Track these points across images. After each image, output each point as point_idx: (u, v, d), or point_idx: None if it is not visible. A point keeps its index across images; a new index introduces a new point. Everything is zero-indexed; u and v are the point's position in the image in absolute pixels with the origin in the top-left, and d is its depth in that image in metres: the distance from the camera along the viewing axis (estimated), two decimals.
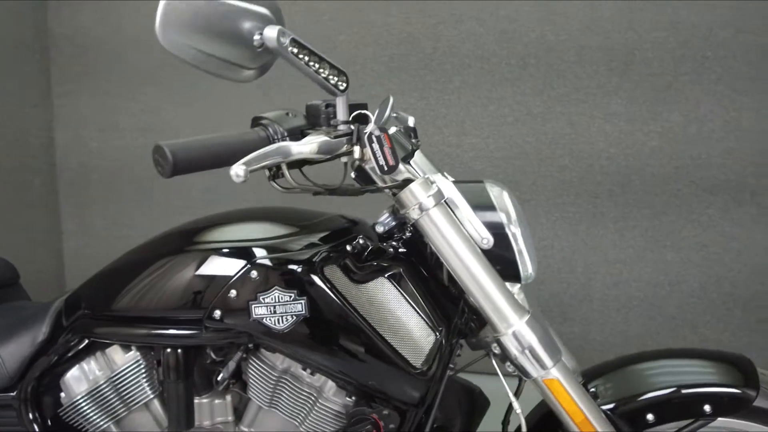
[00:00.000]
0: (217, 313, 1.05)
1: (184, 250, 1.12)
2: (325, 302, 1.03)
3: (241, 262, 1.06)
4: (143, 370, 1.13)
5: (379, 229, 1.10)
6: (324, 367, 1.04)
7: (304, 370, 1.10)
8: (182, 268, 1.09)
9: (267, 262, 1.05)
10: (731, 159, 2.45)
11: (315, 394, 1.09)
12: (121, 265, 1.19)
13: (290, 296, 1.02)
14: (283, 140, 0.99)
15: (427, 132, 2.68)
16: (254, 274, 1.04)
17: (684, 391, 1.03)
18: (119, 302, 1.12)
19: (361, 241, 1.09)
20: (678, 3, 2.41)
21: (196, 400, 1.12)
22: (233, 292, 1.05)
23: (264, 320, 1.03)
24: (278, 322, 1.03)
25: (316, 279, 1.04)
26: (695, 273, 2.52)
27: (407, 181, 1.02)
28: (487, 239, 1.03)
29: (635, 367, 1.12)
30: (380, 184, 1.06)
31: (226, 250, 1.09)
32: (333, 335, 1.04)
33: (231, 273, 1.05)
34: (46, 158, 3.00)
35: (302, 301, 1.02)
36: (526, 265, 1.05)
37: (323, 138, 0.99)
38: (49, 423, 1.18)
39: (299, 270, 1.04)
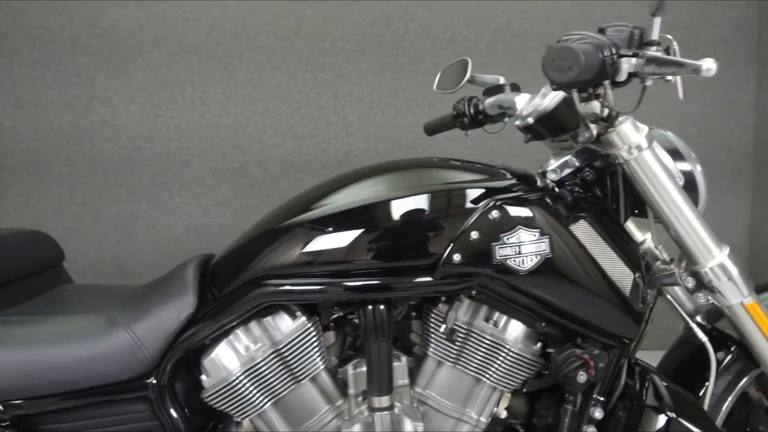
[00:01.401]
0: (457, 257, 0.97)
1: (395, 195, 1.01)
2: (563, 240, 1.00)
3: (481, 202, 0.99)
4: (314, 338, 1.00)
5: (553, 176, 1.09)
6: (550, 307, 1.01)
7: (487, 321, 1.06)
8: (405, 212, 0.98)
9: (508, 200, 1.00)
10: None
11: (505, 345, 1.05)
12: (306, 220, 1.04)
13: (534, 235, 0.98)
14: (617, 57, 0.95)
15: (400, 113, 2.69)
16: (495, 213, 0.98)
17: None
18: (318, 257, 0.98)
19: (557, 187, 1.08)
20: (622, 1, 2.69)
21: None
22: (475, 234, 0.98)
23: (508, 261, 0.98)
24: (522, 263, 0.98)
25: (554, 217, 1.01)
26: None
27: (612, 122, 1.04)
28: (680, 178, 1.08)
29: None
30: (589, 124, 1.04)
31: (458, 191, 1.01)
32: (570, 274, 1.01)
33: (471, 214, 0.98)
34: None
35: (546, 240, 0.98)
36: (704, 204, 1.13)
37: (659, 55, 0.97)
38: (186, 412, 1.01)
39: (539, 208, 1.01)
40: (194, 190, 2.65)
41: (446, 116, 1.36)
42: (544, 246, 0.99)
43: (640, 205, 1.11)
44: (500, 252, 0.98)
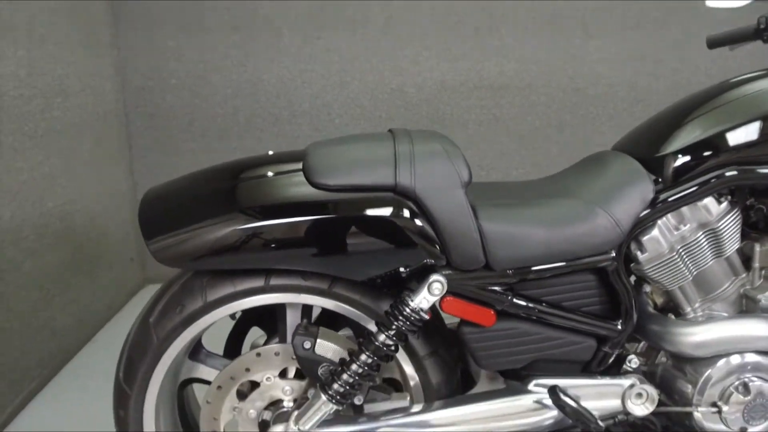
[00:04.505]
0: None
1: None
2: None
3: None
4: (738, 219, 1.12)
5: None
6: None
7: None
8: None
9: None
10: None
11: None
12: None
13: None
14: None
15: (554, 37, 2.74)
16: None
17: None
18: None
19: None
20: None
21: None
22: None
23: None
24: None
25: None
26: None
27: None
28: None
29: None
30: None
31: None
32: None
33: None
34: (113, 94, 2.52)
35: None
36: None
37: None
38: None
39: None
40: (352, 112, 2.73)
41: (739, 30, 1.42)
42: None
43: None
44: None
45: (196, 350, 1.19)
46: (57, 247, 2.04)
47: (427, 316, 1.01)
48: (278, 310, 1.16)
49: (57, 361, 2.03)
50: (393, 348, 1.01)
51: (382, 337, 1.00)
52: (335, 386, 1.01)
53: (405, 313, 1.00)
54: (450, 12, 2.67)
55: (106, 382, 1.13)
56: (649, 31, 2.77)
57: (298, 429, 1.03)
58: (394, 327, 1.00)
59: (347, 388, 1.01)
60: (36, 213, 1.91)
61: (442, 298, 1.02)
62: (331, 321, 1.25)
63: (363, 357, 1.00)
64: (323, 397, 1.01)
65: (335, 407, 1.02)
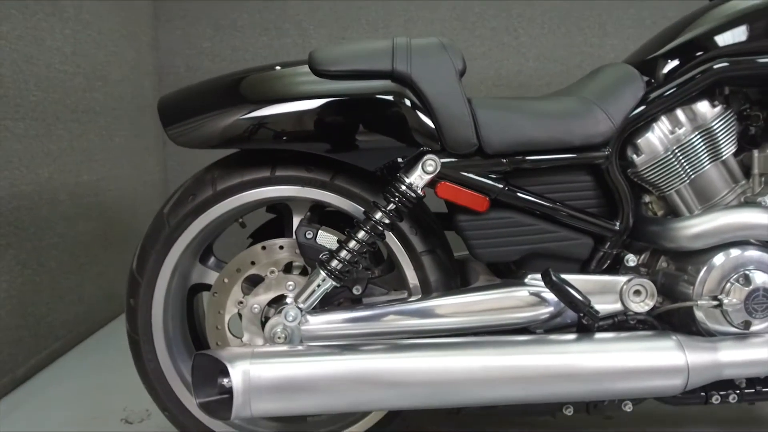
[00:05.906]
0: None
1: None
2: None
3: None
4: (734, 121, 1.15)
5: None
6: None
7: None
8: None
9: None
10: None
11: None
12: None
13: None
14: None
15: (570, 33, 2.82)
16: None
17: None
18: None
19: None
20: None
21: None
22: None
23: None
24: None
25: None
26: None
27: None
28: None
29: None
30: None
31: None
32: None
33: None
34: (151, 92, 2.69)
35: None
36: None
37: None
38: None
39: None
40: None
41: None
42: None
43: None
44: None
45: (207, 258, 1.25)
46: (89, 218, 2.14)
47: (421, 194, 1.05)
48: (286, 225, 1.22)
49: (83, 329, 2.11)
50: (389, 225, 1.05)
51: (378, 215, 1.04)
52: (334, 263, 1.05)
53: (401, 190, 1.04)
54: (468, 11, 2.79)
55: (130, 358, 1.20)
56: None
57: (298, 306, 1.07)
58: (390, 204, 1.04)
59: (345, 264, 1.05)
60: (72, 181, 2.03)
61: (436, 184, 1.07)
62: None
63: (360, 234, 1.05)
64: (322, 274, 1.05)
65: (333, 283, 1.05)
